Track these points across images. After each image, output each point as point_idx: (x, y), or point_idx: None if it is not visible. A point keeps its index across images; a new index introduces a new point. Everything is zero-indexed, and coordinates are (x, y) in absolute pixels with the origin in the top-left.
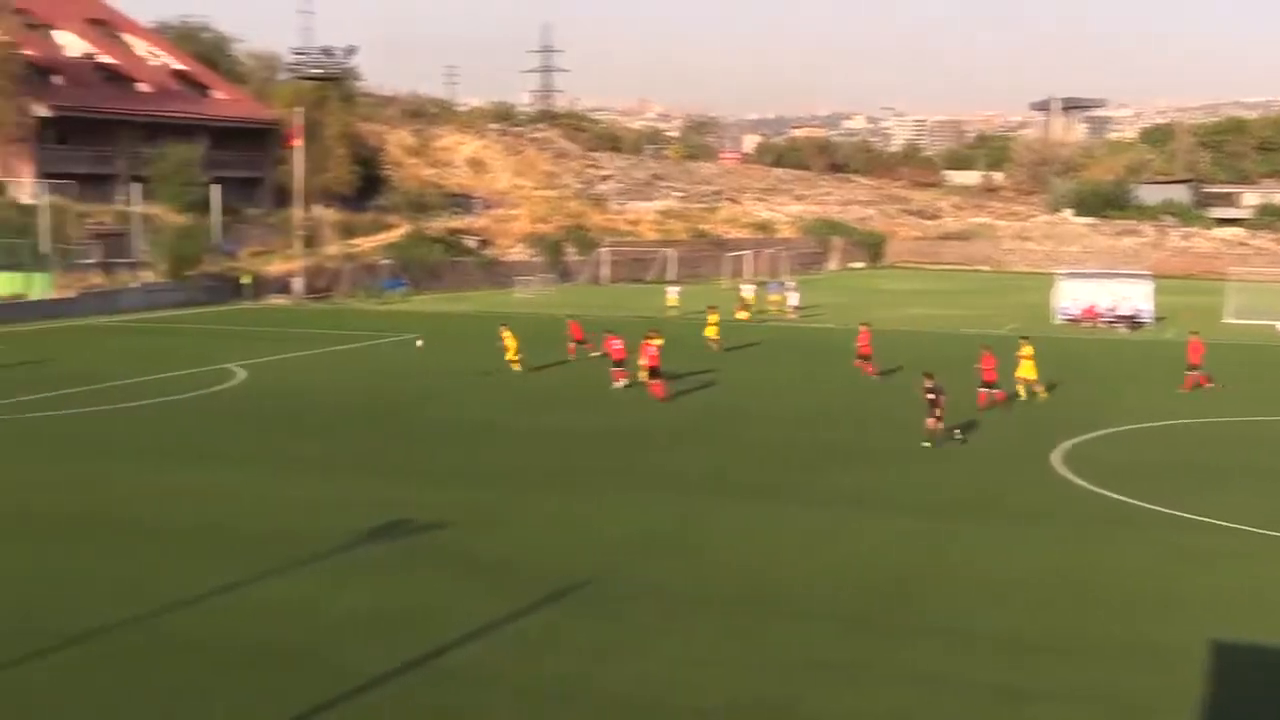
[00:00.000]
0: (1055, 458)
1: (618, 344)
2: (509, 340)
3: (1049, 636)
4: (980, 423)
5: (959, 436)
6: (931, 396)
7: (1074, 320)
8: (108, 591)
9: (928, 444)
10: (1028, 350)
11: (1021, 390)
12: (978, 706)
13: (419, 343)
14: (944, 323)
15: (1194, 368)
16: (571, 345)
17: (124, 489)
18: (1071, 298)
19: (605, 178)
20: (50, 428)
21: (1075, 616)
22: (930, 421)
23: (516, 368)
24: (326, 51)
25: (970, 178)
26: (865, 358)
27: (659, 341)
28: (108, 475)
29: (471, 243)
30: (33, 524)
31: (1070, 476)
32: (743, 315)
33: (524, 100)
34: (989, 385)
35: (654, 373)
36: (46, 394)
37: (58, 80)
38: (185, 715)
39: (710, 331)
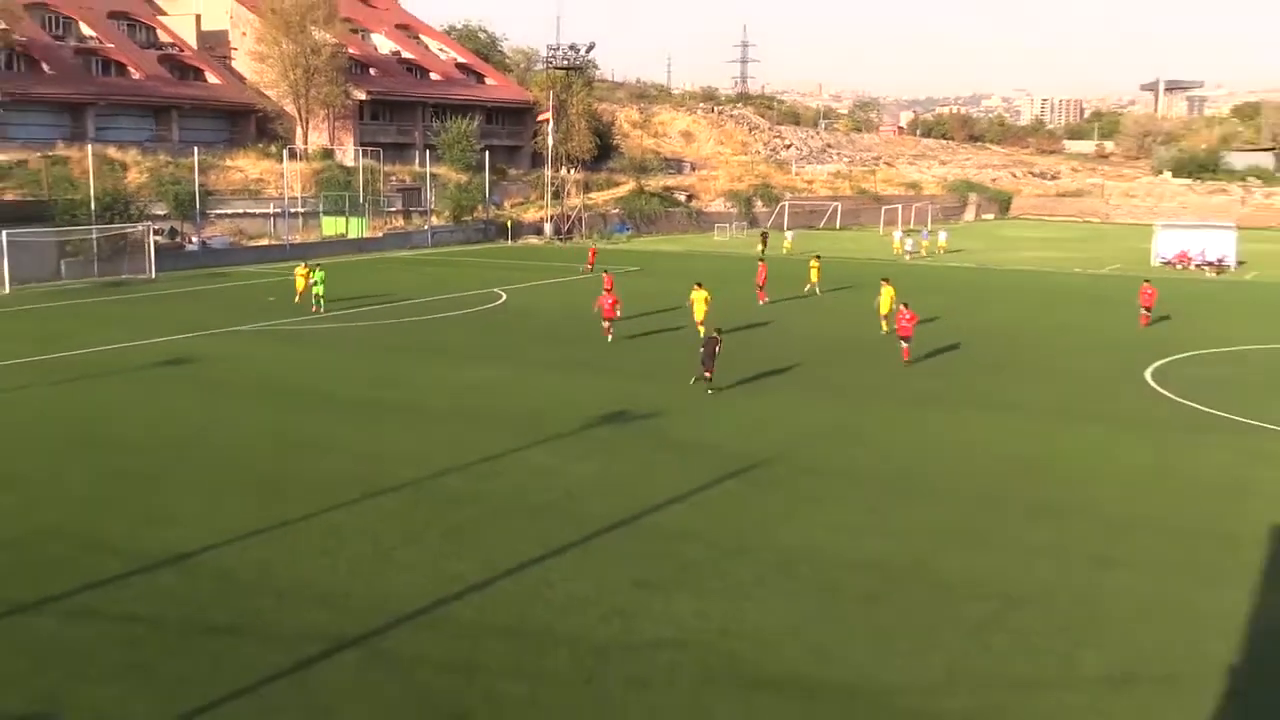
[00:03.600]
0: (1148, 374)
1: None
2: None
3: (1137, 516)
4: (1093, 345)
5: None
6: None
7: (1169, 263)
8: (408, 457)
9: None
10: (888, 290)
11: (883, 324)
12: (1075, 572)
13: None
14: (1061, 264)
15: (1147, 309)
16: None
17: (421, 382)
18: (1167, 244)
19: (788, 146)
20: (365, 334)
21: (1159, 502)
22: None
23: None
24: (573, 47)
25: (1086, 146)
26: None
27: (705, 294)
28: (410, 371)
29: (681, 197)
30: (354, 409)
31: (1160, 390)
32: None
33: (726, 84)
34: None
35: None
36: (363, 308)
37: (372, 72)
38: (462, 548)
39: (814, 275)
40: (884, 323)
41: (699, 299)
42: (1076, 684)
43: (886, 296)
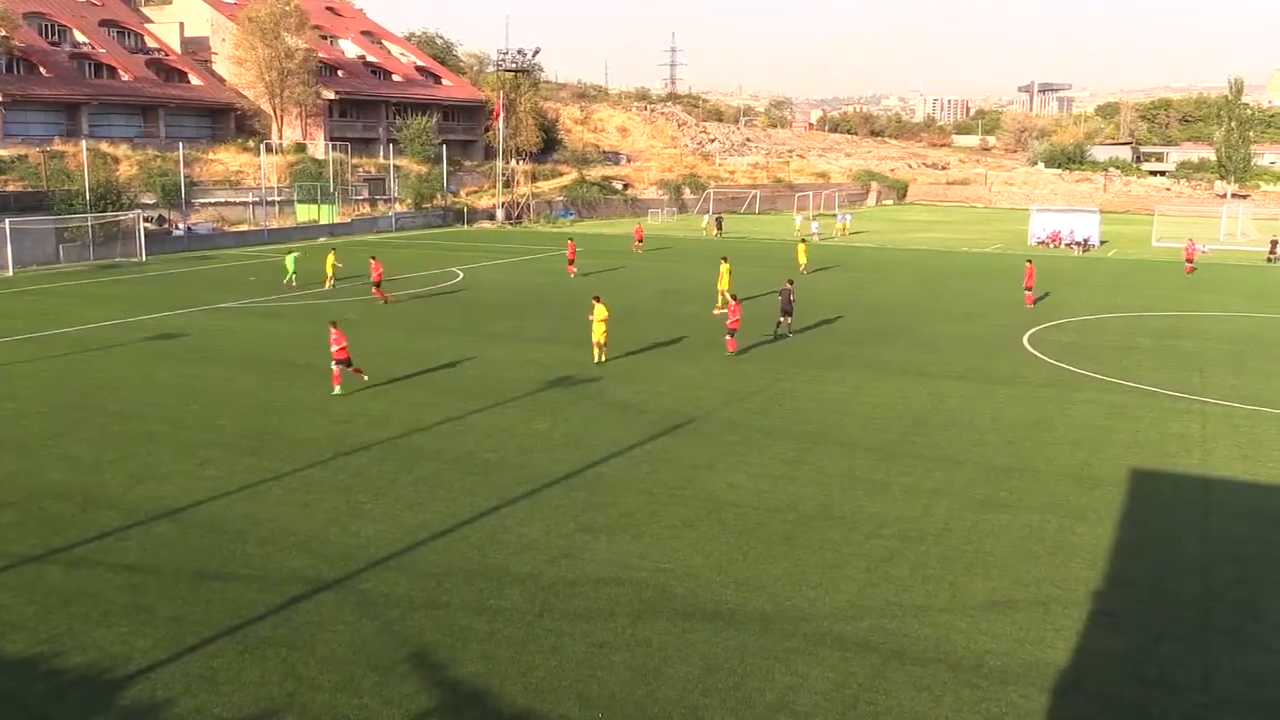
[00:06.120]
0: (1025, 339)
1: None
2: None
3: (1016, 464)
4: (977, 314)
5: (786, 334)
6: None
7: (1043, 242)
8: (376, 419)
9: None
10: (725, 267)
11: (720, 299)
12: (968, 511)
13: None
14: (951, 243)
15: (1029, 288)
16: (376, 290)
17: (388, 352)
18: (1041, 226)
19: (712, 140)
20: (337, 309)
21: (1035, 450)
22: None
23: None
24: (520, 51)
25: (971, 140)
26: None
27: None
28: (377, 342)
29: (618, 185)
30: (328, 377)
31: (1035, 352)
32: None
33: (657, 85)
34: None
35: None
36: (337, 285)
37: (340, 74)
38: (426, 500)
39: (804, 246)
40: (720, 298)
41: (599, 315)
42: (964, 609)
43: (725, 274)
